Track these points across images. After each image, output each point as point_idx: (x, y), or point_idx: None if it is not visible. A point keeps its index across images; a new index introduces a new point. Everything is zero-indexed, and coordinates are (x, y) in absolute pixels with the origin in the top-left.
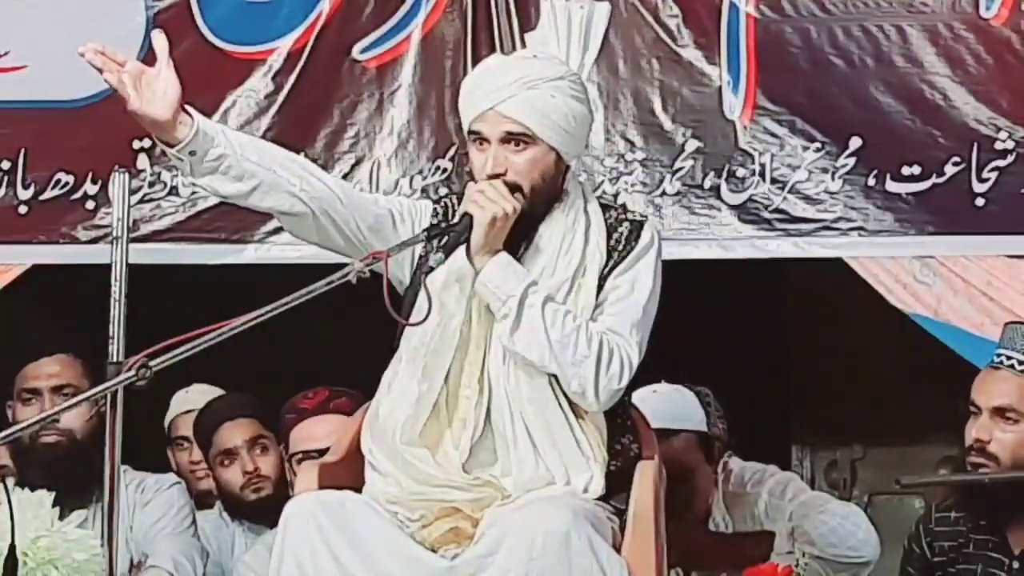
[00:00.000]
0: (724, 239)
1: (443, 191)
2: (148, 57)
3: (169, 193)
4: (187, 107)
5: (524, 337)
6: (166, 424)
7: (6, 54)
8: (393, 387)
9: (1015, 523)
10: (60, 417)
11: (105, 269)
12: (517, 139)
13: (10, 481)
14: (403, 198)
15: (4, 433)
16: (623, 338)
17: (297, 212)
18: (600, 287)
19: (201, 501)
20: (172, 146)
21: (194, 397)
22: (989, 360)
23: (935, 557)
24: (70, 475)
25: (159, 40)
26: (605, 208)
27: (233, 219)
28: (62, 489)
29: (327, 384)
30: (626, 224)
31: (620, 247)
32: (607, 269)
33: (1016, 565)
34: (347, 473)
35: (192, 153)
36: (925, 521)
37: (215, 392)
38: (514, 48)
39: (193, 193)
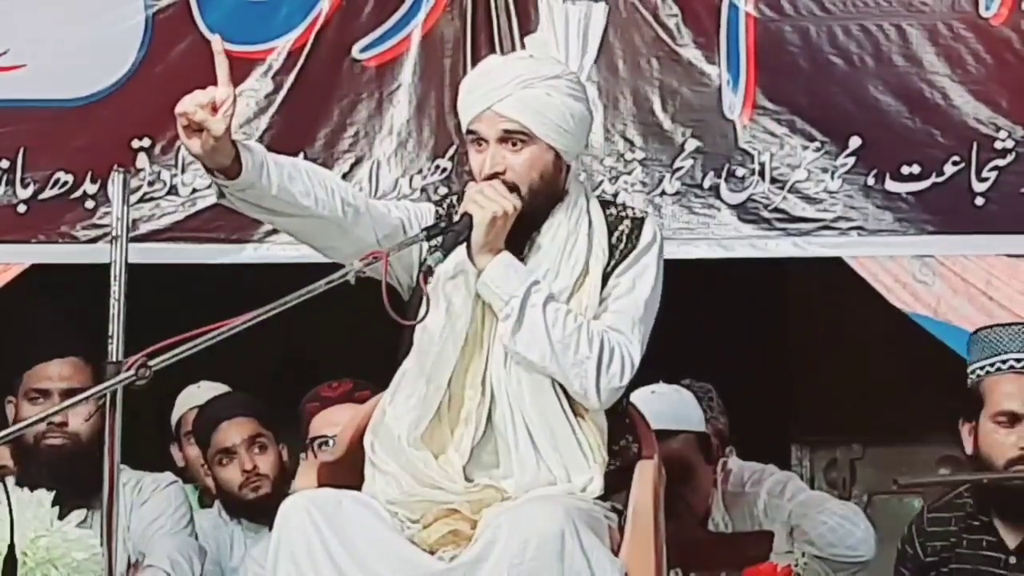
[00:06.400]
0: (724, 239)
1: (443, 191)
2: (147, 56)
3: (168, 193)
4: (244, 142)
5: (525, 337)
6: (174, 420)
7: (5, 53)
8: (400, 387)
9: (1007, 520)
10: (68, 420)
11: (104, 269)
12: (515, 138)
13: (10, 481)
14: (407, 202)
15: (6, 432)
16: (624, 336)
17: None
18: (603, 286)
19: (208, 497)
20: (226, 175)
21: (204, 393)
22: (987, 368)
23: (928, 557)
24: (71, 476)
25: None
26: (605, 205)
27: (232, 219)
28: (63, 489)
29: (328, 380)
30: (627, 222)
31: (622, 245)
32: (609, 267)
33: (1013, 560)
34: (347, 471)
35: (242, 189)
36: (918, 522)
37: (223, 390)
38: (513, 48)
39: (193, 192)
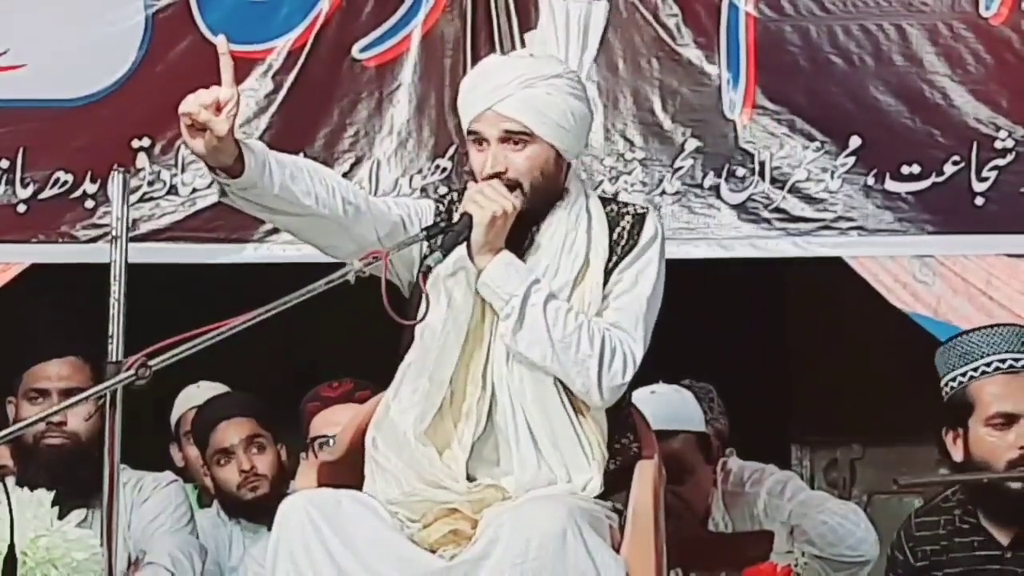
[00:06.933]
0: (724, 239)
1: (443, 190)
2: (147, 56)
3: (168, 192)
4: (247, 141)
5: (526, 337)
6: (173, 420)
7: (5, 53)
8: (404, 383)
9: (999, 521)
10: (67, 420)
11: (104, 269)
12: (516, 138)
13: (10, 481)
14: (407, 199)
15: (5, 432)
16: (626, 333)
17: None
18: (605, 282)
19: (207, 497)
20: (228, 174)
21: (204, 393)
22: (969, 374)
23: (918, 562)
24: (70, 476)
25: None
26: (605, 202)
27: (232, 219)
28: (62, 489)
29: (328, 380)
30: (628, 218)
31: (623, 241)
32: (611, 264)
33: (1009, 555)
34: (347, 471)
35: (244, 189)
36: (906, 527)
37: (223, 390)
38: (513, 47)
39: (192, 192)
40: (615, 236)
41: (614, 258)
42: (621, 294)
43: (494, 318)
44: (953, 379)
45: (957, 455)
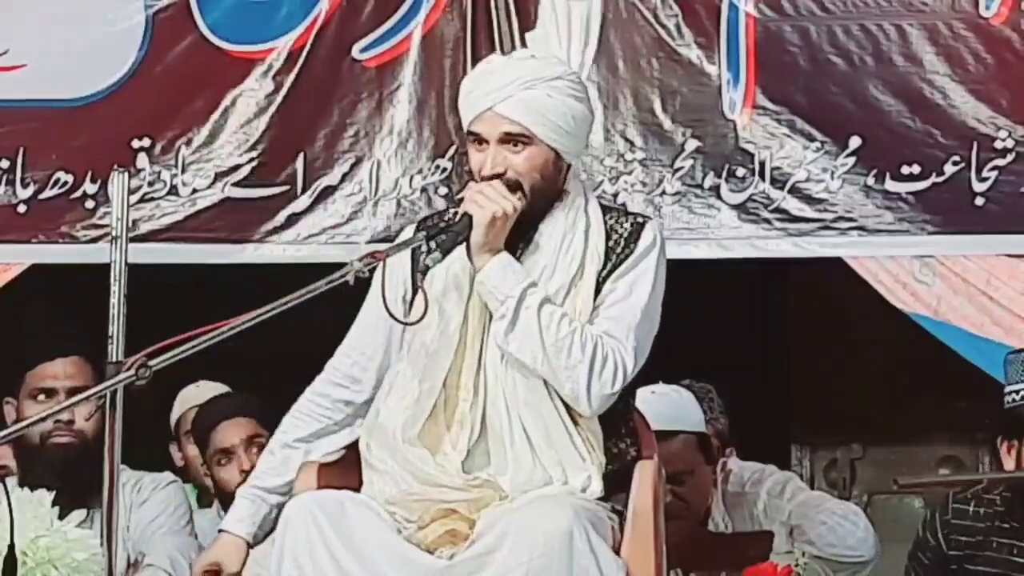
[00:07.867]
0: (724, 239)
1: (443, 191)
2: (147, 56)
3: (168, 192)
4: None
5: (518, 338)
6: (173, 420)
7: (5, 52)
8: (394, 387)
9: None
10: (75, 418)
11: (105, 269)
12: (515, 139)
13: (10, 481)
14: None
15: (7, 431)
16: (618, 342)
17: None
18: (598, 290)
19: (207, 497)
20: None
21: (203, 393)
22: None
23: (951, 551)
24: (73, 475)
25: None
26: (606, 209)
27: (232, 219)
28: (66, 488)
29: None
30: (627, 226)
31: (619, 249)
32: (605, 271)
33: None
34: (346, 473)
35: None
36: (941, 512)
37: (223, 389)
38: (513, 47)
39: (193, 192)
40: (611, 243)
41: (609, 265)
42: (614, 303)
43: (486, 323)
44: (1017, 391)
45: (1009, 464)
